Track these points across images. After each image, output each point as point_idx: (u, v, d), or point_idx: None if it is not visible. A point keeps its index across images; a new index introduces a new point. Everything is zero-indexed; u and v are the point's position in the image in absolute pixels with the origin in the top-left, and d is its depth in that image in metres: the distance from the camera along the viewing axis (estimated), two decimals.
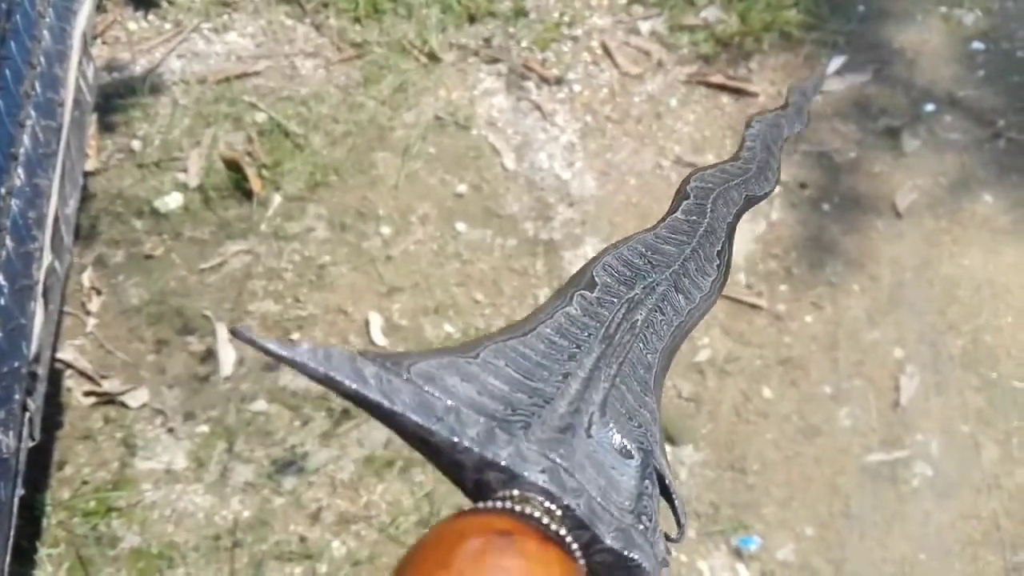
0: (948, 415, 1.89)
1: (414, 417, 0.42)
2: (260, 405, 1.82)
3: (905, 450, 1.84)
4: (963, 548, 1.74)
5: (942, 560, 1.72)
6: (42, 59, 1.19)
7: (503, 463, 0.41)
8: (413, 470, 1.76)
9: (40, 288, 1.11)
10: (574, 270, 2.10)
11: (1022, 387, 1.93)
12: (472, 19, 2.49)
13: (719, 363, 1.94)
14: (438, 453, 0.42)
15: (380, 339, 1.91)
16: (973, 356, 1.97)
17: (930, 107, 2.38)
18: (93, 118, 1.84)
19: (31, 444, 1.10)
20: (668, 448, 1.83)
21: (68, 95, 1.31)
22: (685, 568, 1.68)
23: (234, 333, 0.39)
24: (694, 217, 0.59)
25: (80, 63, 1.41)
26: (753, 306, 2.02)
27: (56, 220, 1.21)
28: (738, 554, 1.71)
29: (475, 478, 0.41)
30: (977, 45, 2.51)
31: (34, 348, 1.07)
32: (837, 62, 2.46)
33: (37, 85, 1.17)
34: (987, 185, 2.24)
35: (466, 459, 0.41)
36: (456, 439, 0.41)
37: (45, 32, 1.23)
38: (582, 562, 0.39)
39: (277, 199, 2.12)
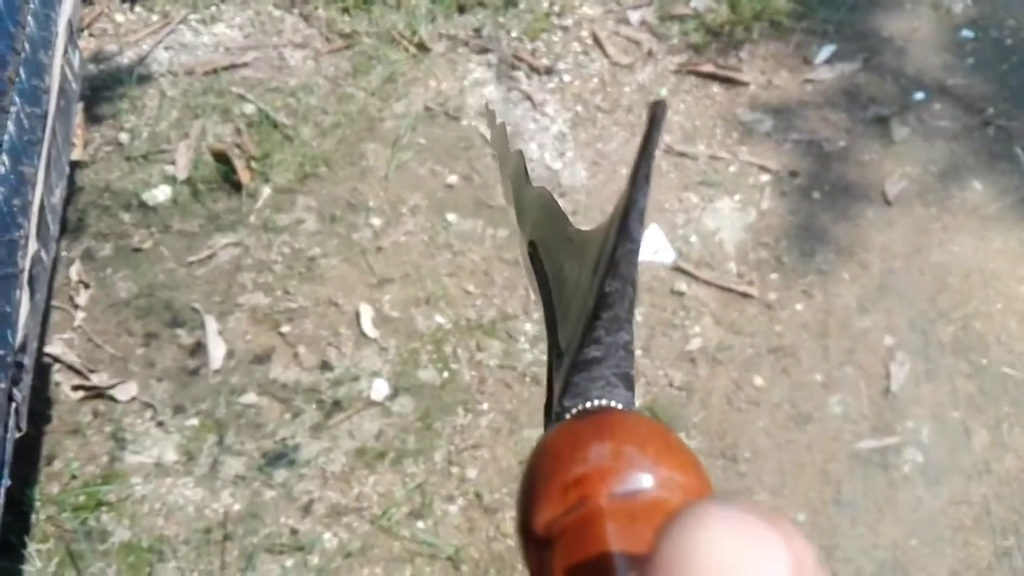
0: (938, 401, 1.89)
1: None
2: (250, 398, 1.81)
3: (896, 437, 1.85)
4: (954, 533, 1.74)
5: (933, 545, 1.73)
6: (26, 46, 1.18)
7: None
8: (405, 461, 1.75)
9: (25, 277, 1.10)
10: None
11: (1012, 373, 1.93)
12: (462, 9, 2.48)
13: (710, 352, 1.94)
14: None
15: (371, 331, 1.91)
16: (963, 343, 1.97)
17: (919, 95, 2.38)
18: (79, 108, 1.82)
19: (17, 435, 1.09)
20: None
21: (53, 83, 1.29)
22: None
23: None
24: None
25: (66, 51, 1.39)
26: (744, 295, 2.02)
27: (42, 208, 1.20)
28: None
29: None
30: (966, 33, 2.52)
31: (19, 337, 1.06)
32: (827, 51, 2.46)
33: (21, 71, 1.15)
34: (976, 172, 2.25)
35: None
36: None
37: (29, 18, 1.21)
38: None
39: (266, 191, 2.11)
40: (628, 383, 0.41)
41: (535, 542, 0.35)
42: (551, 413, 0.43)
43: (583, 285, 0.44)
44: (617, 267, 0.39)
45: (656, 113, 0.37)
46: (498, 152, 0.68)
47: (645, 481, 0.34)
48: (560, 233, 0.51)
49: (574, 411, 0.40)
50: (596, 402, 0.40)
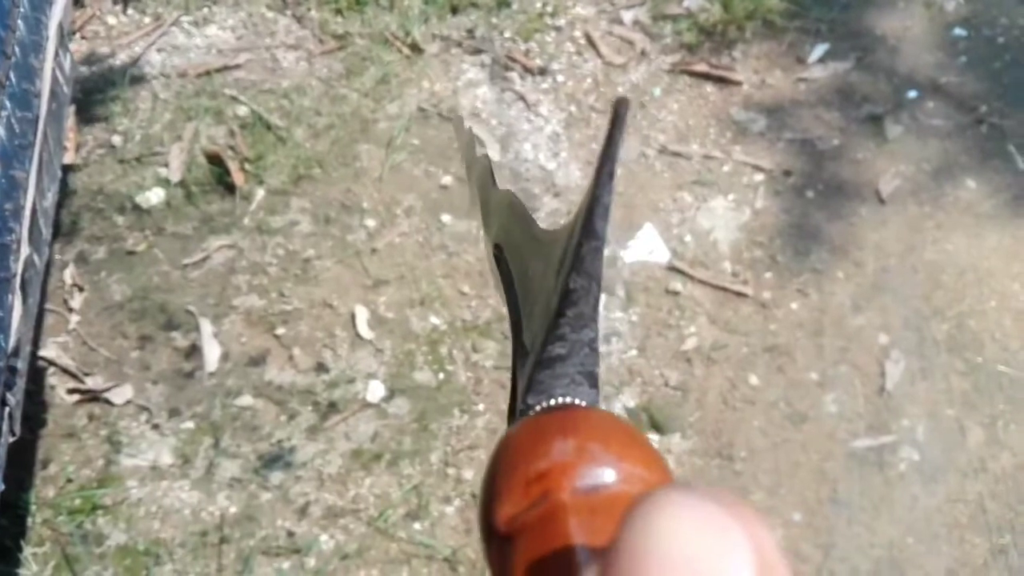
0: (934, 400, 1.90)
1: None
2: (246, 400, 1.81)
3: (891, 435, 1.85)
4: (950, 531, 1.75)
5: (929, 543, 1.73)
6: (16, 49, 1.18)
7: None
8: (401, 463, 1.75)
9: (18, 281, 1.10)
10: None
11: (1007, 371, 1.94)
12: (455, 10, 2.48)
13: (705, 351, 1.94)
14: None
15: (366, 332, 1.91)
16: (958, 341, 1.98)
17: (913, 94, 2.39)
18: (71, 111, 1.81)
19: (11, 439, 1.09)
20: (655, 437, 1.83)
21: (44, 86, 1.29)
22: None
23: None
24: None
25: (56, 54, 1.39)
26: (739, 294, 2.03)
27: (34, 213, 1.19)
28: None
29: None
30: (959, 31, 2.52)
31: (12, 341, 1.06)
32: (820, 50, 2.47)
33: (12, 75, 1.15)
34: (970, 171, 2.25)
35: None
36: None
37: (19, 22, 1.21)
38: None
39: (260, 193, 2.11)
40: (593, 381, 0.41)
41: (497, 538, 0.35)
42: (515, 412, 0.43)
43: (548, 284, 0.44)
44: (582, 263, 0.39)
45: (619, 111, 0.37)
46: (466, 157, 0.68)
47: (608, 476, 0.34)
48: (526, 234, 0.51)
49: (537, 408, 0.40)
50: (560, 399, 0.40)
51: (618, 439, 0.36)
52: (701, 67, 2.41)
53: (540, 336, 0.41)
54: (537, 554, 0.33)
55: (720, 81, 2.39)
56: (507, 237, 0.52)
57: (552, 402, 0.40)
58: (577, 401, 0.40)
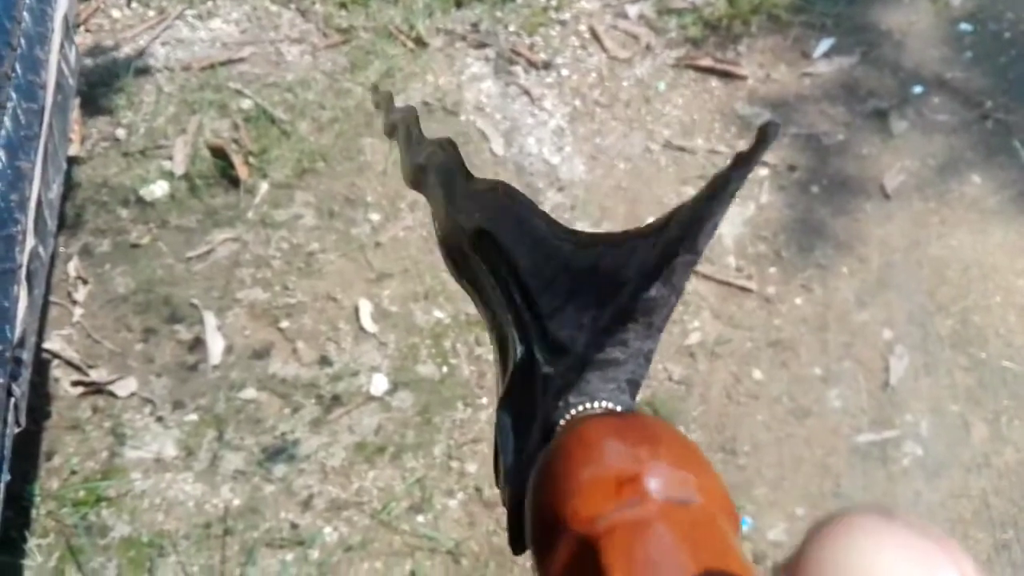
0: (937, 395, 1.89)
1: None
2: (249, 393, 1.81)
3: (895, 430, 1.85)
4: (953, 526, 1.74)
5: None
6: (23, 41, 1.18)
7: None
8: (404, 456, 1.75)
9: (23, 272, 1.10)
10: None
11: (1011, 367, 1.93)
12: (459, 4, 2.47)
13: (709, 346, 1.94)
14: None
15: (370, 326, 1.91)
16: (962, 336, 1.97)
17: (918, 89, 2.38)
18: (76, 103, 1.81)
19: (16, 430, 1.09)
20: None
21: (50, 78, 1.29)
22: None
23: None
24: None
25: (62, 46, 1.39)
26: (743, 289, 2.02)
27: (39, 204, 1.19)
28: None
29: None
30: (965, 27, 2.51)
31: (18, 332, 1.06)
32: (825, 44, 2.46)
33: (18, 67, 1.15)
34: (975, 166, 2.25)
35: None
36: None
37: (25, 14, 1.21)
38: None
39: (264, 186, 2.11)
40: (635, 391, 0.41)
41: (569, 535, 0.35)
42: (513, 398, 0.42)
43: (592, 283, 0.43)
44: (672, 275, 0.39)
45: (768, 133, 0.37)
46: (398, 124, 0.68)
47: (693, 490, 0.35)
48: (529, 225, 0.50)
49: (580, 408, 0.39)
50: (603, 403, 0.40)
51: (695, 456, 0.37)
52: (706, 61, 2.40)
53: (592, 336, 0.40)
54: (640, 558, 0.33)
55: (725, 76, 2.39)
56: (499, 226, 0.51)
57: (597, 405, 0.40)
58: (619, 409, 0.40)
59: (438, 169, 0.61)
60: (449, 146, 0.63)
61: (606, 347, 0.40)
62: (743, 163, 0.38)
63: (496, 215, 0.52)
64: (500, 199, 0.53)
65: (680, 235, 0.39)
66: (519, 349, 0.45)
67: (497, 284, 0.50)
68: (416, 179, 0.67)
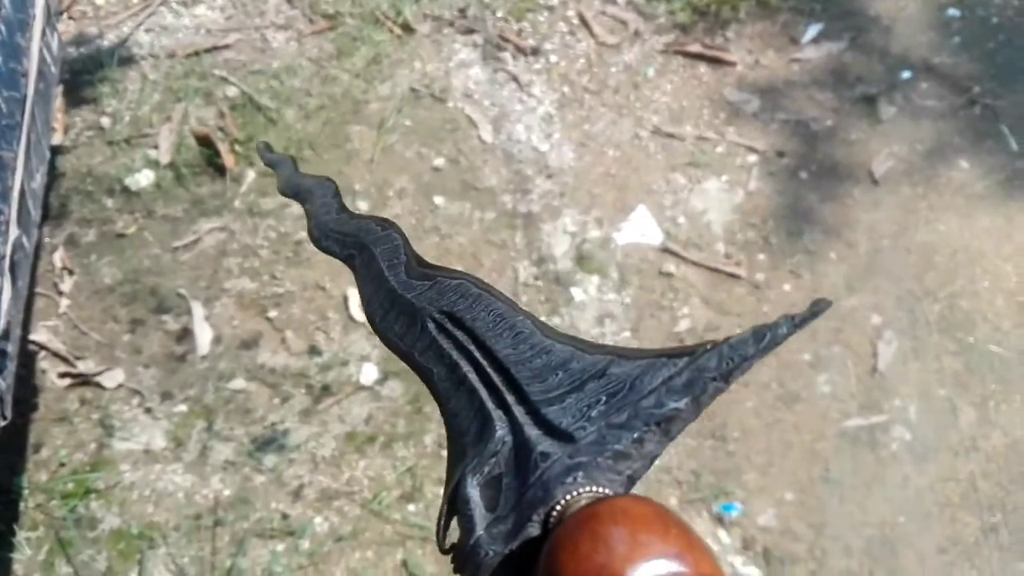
0: (925, 380, 1.90)
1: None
2: (238, 383, 1.80)
3: (883, 415, 1.86)
4: (941, 510, 1.76)
5: (921, 522, 1.74)
6: (3, 28, 1.16)
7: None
8: (395, 445, 1.75)
9: (7, 263, 1.08)
10: (553, 242, 2.07)
11: (998, 351, 1.95)
12: None
13: (699, 333, 1.94)
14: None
15: (359, 315, 1.90)
16: (950, 321, 1.98)
17: (906, 74, 2.38)
18: (59, 91, 1.79)
19: (3, 423, 1.08)
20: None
21: (31, 66, 1.27)
22: None
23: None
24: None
25: (44, 33, 1.37)
26: (732, 275, 2.02)
27: (22, 194, 1.18)
28: (720, 521, 1.72)
29: None
30: (952, 12, 2.51)
31: (2, 324, 1.05)
32: (813, 30, 2.45)
33: None
34: (963, 151, 2.25)
35: None
36: None
37: (5, 1, 1.19)
38: None
39: (251, 175, 2.09)
40: (632, 485, 0.43)
41: None
42: (489, 476, 0.44)
43: (613, 386, 0.46)
44: (703, 395, 0.43)
45: (820, 308, 0.43)
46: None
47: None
48: (507, 318, 0.53)
49: (587, 489, 0.41)
50: (605, 491, 0.42)
51: (701, 545, 0.38)
52: (695, 47, 2.40)
53: (604, 429, 0.43)
54: None
55: (714, 62, 2.38)
56: (472, 315, 0.54)
57: (599, 490, 0.42)
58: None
59: (382, 251, 0.63)
60: (390, 226, 0.65)
61: (622, 441, 0.43)
62: (789, 328, 0.43)
63: (470, 304, 0.55)
64: (471, 288, 0.56)
65: (716, 367, 0.43)
66: (503, 428, 0.47)
67: (471, 365, 0.52)
68: (331, 246, 0.70)
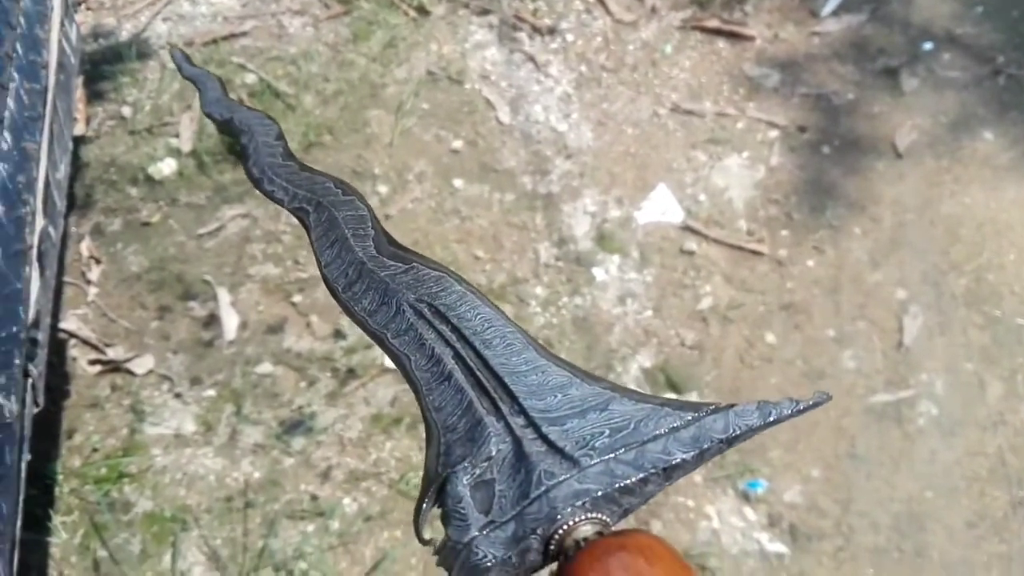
0: (952, 354, 1.89)
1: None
2: (265, 367, 1.82)
3: (910, 390, 1.85)
4: (969, 485, 1.75)
5: (948, 497, 1.74)
6: (22, 21, 1.17)
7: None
8: (421, 426, 1.76)
9: (34, 253, 1.10)
10: (573, 223, 2.07)
11: None
12: None
13: (721, 310, 1.94)
14: None
15: None
16: (976, 294, 1.96)
17: (928, 45, 2.35)
18: (80, 82, 1.81)
19: (35, 410, 1.10)
20: (671, 396, 1.83)
21: (52, 57, 1.28)
22: (693, 513, 1.70)
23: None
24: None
25: (62, 24, 1.38)
26: (755, 252, 2.01)
27: (47, 184, 1.19)
28: (745, 497, 1.73)
29: None
30: None
31: (32, 313, 1.07)
32: (833, 2, 2.42)
33: (19, 47, 1.14)
34: (987, 122, 2.22)
35: None
36: None
37: None
38: None
39: None
40: (625, 517, 0.46)
41: None
42: (479, 479, 0.45)
43: (616, 422, 0.47)
44: (707, 454, 0.45)
45: (821, 400, 0.46)
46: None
47: None
48: (499, 326, 0.53)
49: (589, 517, 0.44)
50: (605, 519, 0.44)
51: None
52: (713, 23, 2.37)
53: (610, 461, 0.45)
54: None
55: (732, 36, 2.36)
56: (458, 313, 0.54)
57: (607, 520, 0.44)
58: (614, 525, 0.45)
59: (345, 217, 0.62)
60: (352, 192, 0.64)
61: (630, 478, 0.45)
62: (792, 410, 0.46)
63: (455, 300, 0.54)
64: (453, 284, 0.55)
65: (721, 430, 0.46)
66: (498, 435, 0.47)
67: (456, 362, 0.51)
68: (276, 193, 0.67)
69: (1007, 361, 1.88)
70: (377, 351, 1.84)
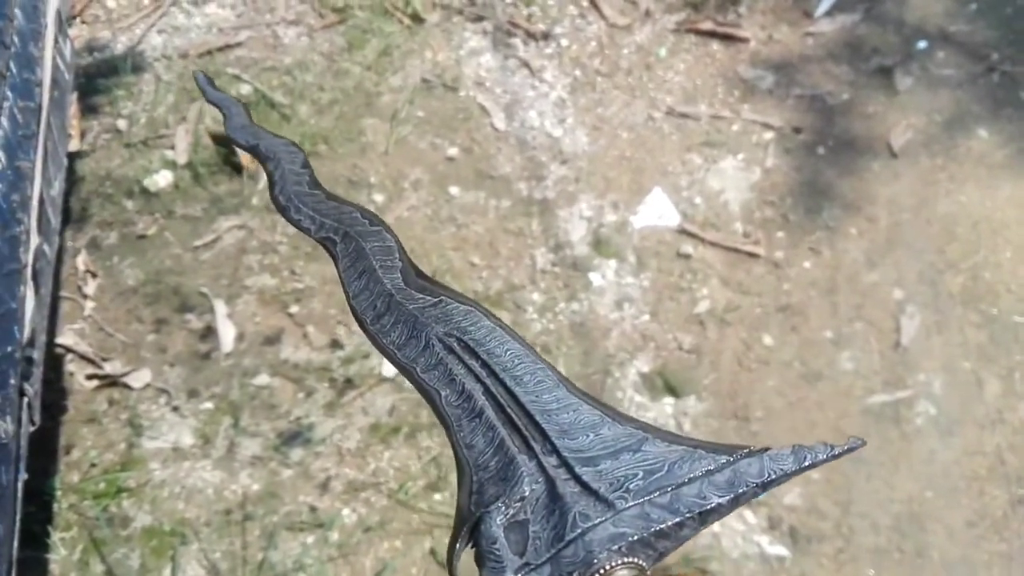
0: (950, 353, 1.89)
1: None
2: (263, 379, 1.82)
3: (908, 390, 1.85)
4: (968, 484, 1.75)
5: (948, 497, 1.74)
6: (15, 39, 1.17)
7: None
8: (419, 435, 1.76)
9: (29, 272, 1.10)
10: (569, 228, 2.07)
11: (1023, 322, 1.92)
12: None
13: (719, 313, 1.94)
14: None
15: None
16: (973, 293, 1.96)
17: (922, 44, 2.35)
18: (74, 98, 1.81)
19: (31, 429, 1.10)
20: (671, 400, 1.83)
21: (46, 75, 1.29)
22: None
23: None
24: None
25: (56, 41, 1.38)
26: (751, 254, 2.01)
27: (41, 202, 1.20)
28: None
29: None
30: None
31: (27, 332, 1.07)
32: (827, 3, 2.42)
33: (12, 65, 1.15)
34: (982, 120, 2.22)
35: None
36: None
37: (17, 11, 1.20)
38: None
39: None
40: (659, 561, 0.46)
41: None
42: (513, 519, 0.45)
43: (649, 463, 0.47)
44: (742, 499, 0.45)
45: (855, 445, 0.45)
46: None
47: None
48: (527, 361, 0.52)
49: (626, 561, 0.43)
50: (642, 563, 0.44)
51: None
52: (707, 25, 2.37)
53: (645, 504, 0.45)
54: None
55: (726, 39, 2.36)
56: (488, 348, 0.53)
57: (638, 563, 0.44)
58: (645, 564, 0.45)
59: (373, 248, 0.62)
60: (379, 222, 0.64)
61: (666, 521, 0.45)
62: (827, 455, 0.46)
63: (484, 335, 0.54)
64: (483, 319, 0.55)
65: (756, 474, 0.46)
66: (531, 475, 0.47)
67: (487, 398, 0.51)
68: (303, 221, 0.67)
69: (1004, 359, 1.88)
70: (374, 361, 1.85)
